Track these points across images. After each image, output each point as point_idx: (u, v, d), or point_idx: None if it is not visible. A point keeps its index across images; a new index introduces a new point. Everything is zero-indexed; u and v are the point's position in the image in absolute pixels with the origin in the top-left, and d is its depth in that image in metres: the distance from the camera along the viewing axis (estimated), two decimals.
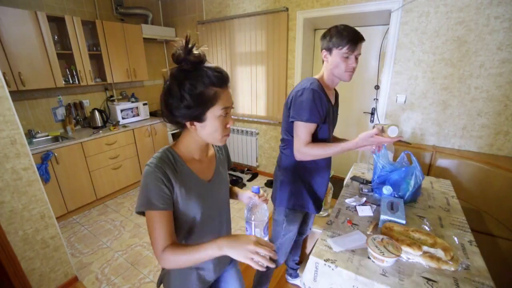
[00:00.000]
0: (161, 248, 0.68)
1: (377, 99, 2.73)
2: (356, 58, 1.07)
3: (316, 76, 1.18)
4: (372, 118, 2.85)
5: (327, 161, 1.28)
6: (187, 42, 0.65)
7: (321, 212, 1.67)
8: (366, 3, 2.25)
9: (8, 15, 2.10)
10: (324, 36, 1.11)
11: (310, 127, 1.09)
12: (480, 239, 1.26)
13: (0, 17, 2.06)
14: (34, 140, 2.56)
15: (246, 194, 0.90)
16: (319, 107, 1.07)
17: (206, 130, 0.71)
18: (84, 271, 1.95)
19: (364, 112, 2.93)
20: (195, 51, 0.66)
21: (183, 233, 0.79)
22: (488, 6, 1.82)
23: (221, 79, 0.68)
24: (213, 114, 0.69)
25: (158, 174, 0.68)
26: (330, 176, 1.57)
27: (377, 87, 2.75)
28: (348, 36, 1.03)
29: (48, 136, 2.69)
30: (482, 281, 0.86)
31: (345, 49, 1.04)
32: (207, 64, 0.69)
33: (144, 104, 3.34)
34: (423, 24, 2.07)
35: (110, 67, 2.93)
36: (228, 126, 0.74)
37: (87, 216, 2.68)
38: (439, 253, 0.93)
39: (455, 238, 1.07)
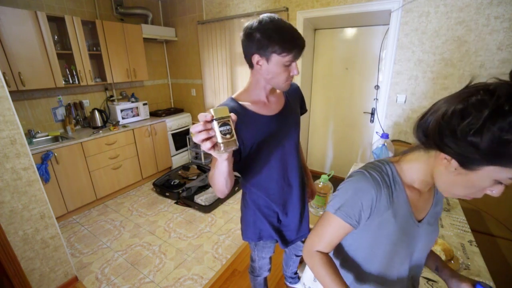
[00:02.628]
0: (316, 247, 0.65)
1: (377, 99, 2.73)
2: (296, 64, 0.88)
3: (236, 93, 0.99)
4: (372, 118, 2.85)
5: (279, 175, 1.03)
6: None
7: (321, 213, 1.67)
8: (366, 3, 2.25)
9: (8, 15, 2.10)
10: (254, 36, 0.83)
11: None
12: (480, 239, 1.26)
13: (0, 17, 2.06)
14: (34, 140, 2.56)
15: (463, 285, 0.66)
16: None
17: (461, 179, 0.51)
18: (84, 271, 1.95)
19: (364, 112, 2.93)
20: None
21: (345, 263, 0.71)
22: (488, 6, 1.82)
23: None
24: (491, 175, 0.48)
25: (371, 194, 0.58)
26: (329, 176, 1.56)
27: (377, 87, 2.75)
28: (291, 38, 0.82)
29: (48, 136, 2.69)
30: (482, 281, 0.86)
31: (289, 57, 0.83)
32: None
33: (144, 104, 3.34)
34: (423, 24, 2.07)
35: (110, 67, 2.93)
36: (493, 192, 0.52)
37: (87, 216, 2.68)
38: (439, 253, 0.93)
39: (455, 238, 1.07)
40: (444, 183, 0.55)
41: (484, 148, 0.45)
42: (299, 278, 1.73)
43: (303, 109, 1.18)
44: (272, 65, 0.85)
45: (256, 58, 0.86)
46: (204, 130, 0.56)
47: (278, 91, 1.04)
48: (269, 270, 1.36)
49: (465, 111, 0.46)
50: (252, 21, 0.86)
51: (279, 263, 1.95)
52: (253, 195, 1.07)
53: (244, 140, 0.90)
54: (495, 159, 0.46)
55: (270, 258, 1.30)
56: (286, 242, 1.15)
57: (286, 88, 0.93)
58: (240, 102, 0.94)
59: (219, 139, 0.56)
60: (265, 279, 1.45)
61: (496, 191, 0.51)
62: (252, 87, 0.96)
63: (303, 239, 1.27)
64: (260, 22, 0.83)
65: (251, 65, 0.91)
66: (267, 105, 0.98)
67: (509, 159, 0.45)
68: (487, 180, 0.48)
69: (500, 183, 0.48)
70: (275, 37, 0.81)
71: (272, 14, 0.86)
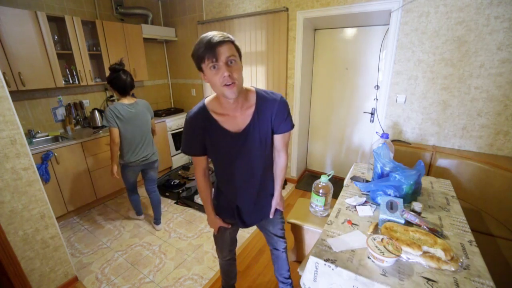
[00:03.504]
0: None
1: (377, 99, 2.73)
2: (228, 65, 0.89)
3: (210, 98, 1.07)
4: (372, 118, 2.85)
5: (237, 183, 1.16)
6: None
7: (321, 212, 1.66)
8: (366, 3, 2.25)
9: (8, 15, 2.10)
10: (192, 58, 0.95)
11: (193, 157, 1.13)
12: (480, 239, 1.26)
13: (0, 17, 2.06)
14: (34, 140, 2.56)
15: None
16: (191, 138, 1.07)
17: None
18: (84, 271, 1.95)
19: (364, 112, 2.93)
20: None
21: None
22: (488, 6, 1.82)
23: None
24: None
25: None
26: (329, 176, 1.56)
27: (377, 87, 2.75)
28: (202, 45, 0.87)
29: (48, 136, 2.69)
30: (482, 281, 0.86)
31: (208, 61, 0.88)
32: None
33: None
34: (423, 24, 2.07)
35: None
36: None
37: (87, 216, 2.68)
38: (439, 253, 0.93)
39: (455, 238, 1.07)
40: None
41: None
42: (292, 285, 1.61)
43: (281, 126, 1.06)
44: (206, 75, 0.93)
45: (201, 75, 0.96)
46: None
47: (246, 105, 1.03)
48: (231, 252, 1.45)
49: None
50: None
51: None
52: (218, 182, 1.25)
53: (207, 145, 1.07)
54: None
55: (233, 239, 1.41)
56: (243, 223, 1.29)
57: (230, 95, 0.92)
58: (210, 110, 1.03)
59: None
60: (230, 265, 1.51)
61: None
62: (218, 98, 1.03)
63: (278, 236, 1.40)
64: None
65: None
66: (232, 118, 1.03)
67: None
68: None
69: None
70: (196, 51, 0.91)
71: None
